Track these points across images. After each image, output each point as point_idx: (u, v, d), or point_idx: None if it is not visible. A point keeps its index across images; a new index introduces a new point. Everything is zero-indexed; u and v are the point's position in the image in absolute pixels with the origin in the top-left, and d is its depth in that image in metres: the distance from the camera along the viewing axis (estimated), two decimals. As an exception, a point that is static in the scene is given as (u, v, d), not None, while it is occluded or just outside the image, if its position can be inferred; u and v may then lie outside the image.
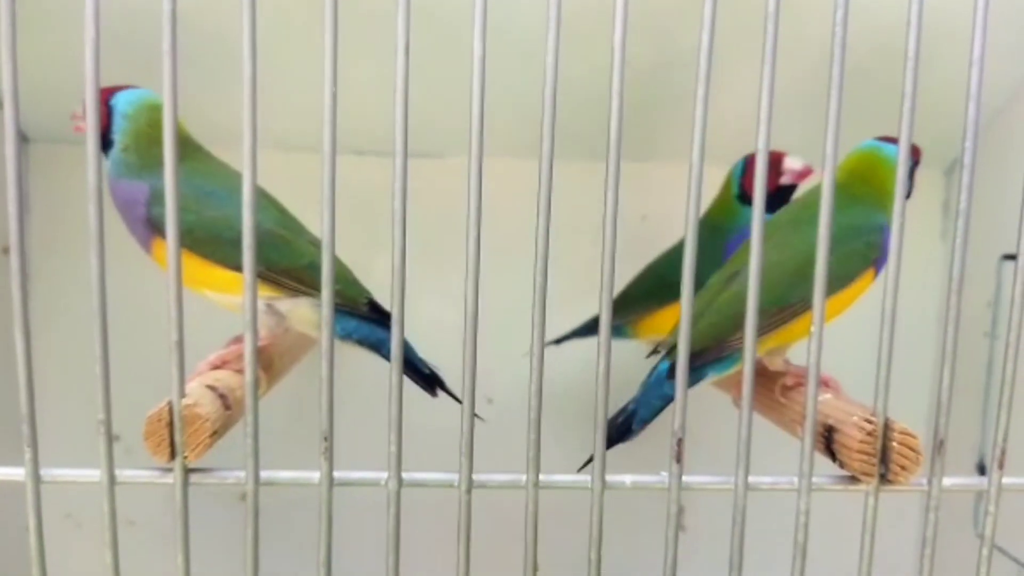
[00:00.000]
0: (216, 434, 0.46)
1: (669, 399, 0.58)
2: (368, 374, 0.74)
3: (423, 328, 0.76)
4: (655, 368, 0.61)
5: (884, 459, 0.48)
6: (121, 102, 0.61)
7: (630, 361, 0.78)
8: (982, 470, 0.82)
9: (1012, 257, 0.80)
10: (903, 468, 0.47)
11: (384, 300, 0.65)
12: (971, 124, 0.46)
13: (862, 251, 0.59)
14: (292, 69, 0.71)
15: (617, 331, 0.76)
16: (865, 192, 0.62)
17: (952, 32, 0.56)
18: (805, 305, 0.57)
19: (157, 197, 0.57)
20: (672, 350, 0.59)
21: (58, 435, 0.75)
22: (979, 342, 0.83)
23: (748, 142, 0.69)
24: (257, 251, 0.43)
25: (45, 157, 0.84)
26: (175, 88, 0.42)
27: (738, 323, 0.56)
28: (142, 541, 0.87)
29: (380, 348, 0.61)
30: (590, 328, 0.79)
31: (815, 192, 0.63)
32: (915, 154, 0.68)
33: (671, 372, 0.58)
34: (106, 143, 0.60)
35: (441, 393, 0.65)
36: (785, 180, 0.72)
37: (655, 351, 0.67)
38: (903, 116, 0.45)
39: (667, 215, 0.84)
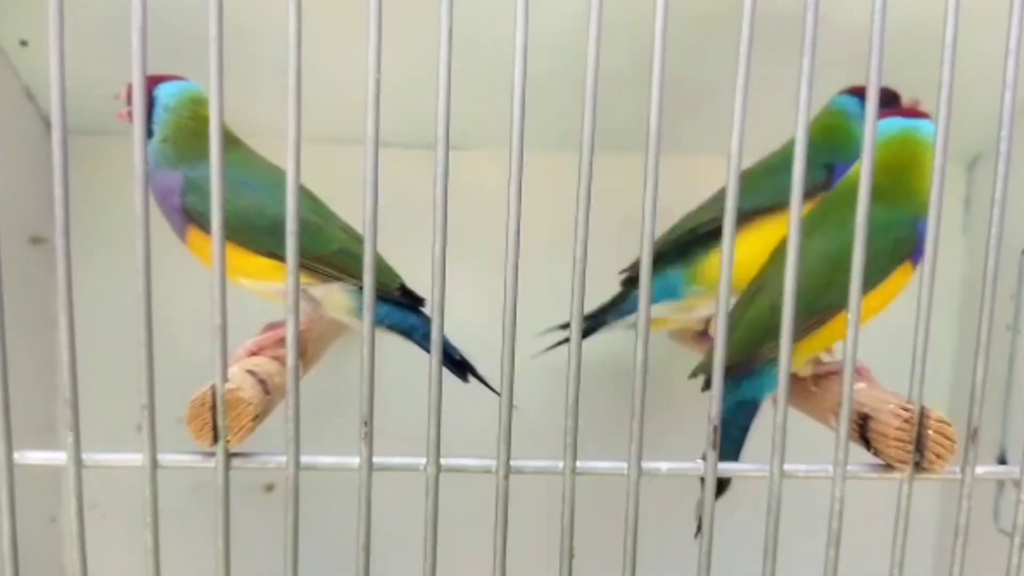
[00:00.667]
0: (258, 418, 0.46)
1: (746, 428, 0.59)
2: (398, 360, 0.75)
3: (447, 317, 0.77)
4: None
5: (919, 447, 0.48)
6: (164, 93, 0.61)
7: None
8: (1003, 463, 0.83)
9: (1037, 251, 0.80)
10: (938, 456, 0.48)
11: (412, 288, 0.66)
12: (1007, 113, 0.46)
13: (890, 249, 0.58)
14: (323, 61, 0.71)
15: (670, 289, 0.74)
16: (890, 184, 0.60)
17: (977, 23, 0.56)
18: (834, 310, 0.56)
19: (192, 186, 0.58)
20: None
21: (89, 423, 0.76)
22: (1001, 335, 0.83)
23: (776, 137, 0.69)
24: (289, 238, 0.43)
25: (79, 148, 0.85)
26: (220, 79, 0.42)
27: (771, 333, 0.56)
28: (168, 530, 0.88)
29: (412, 334, 0.62)
30: (621, 306, 0.77)
31: (837, 190, 0.63)
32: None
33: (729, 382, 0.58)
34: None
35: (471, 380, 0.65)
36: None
37: (696, 374, 0.65)
38: (940, 109, 0.46)
39: (688, 208, 0.84)
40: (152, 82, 0.61)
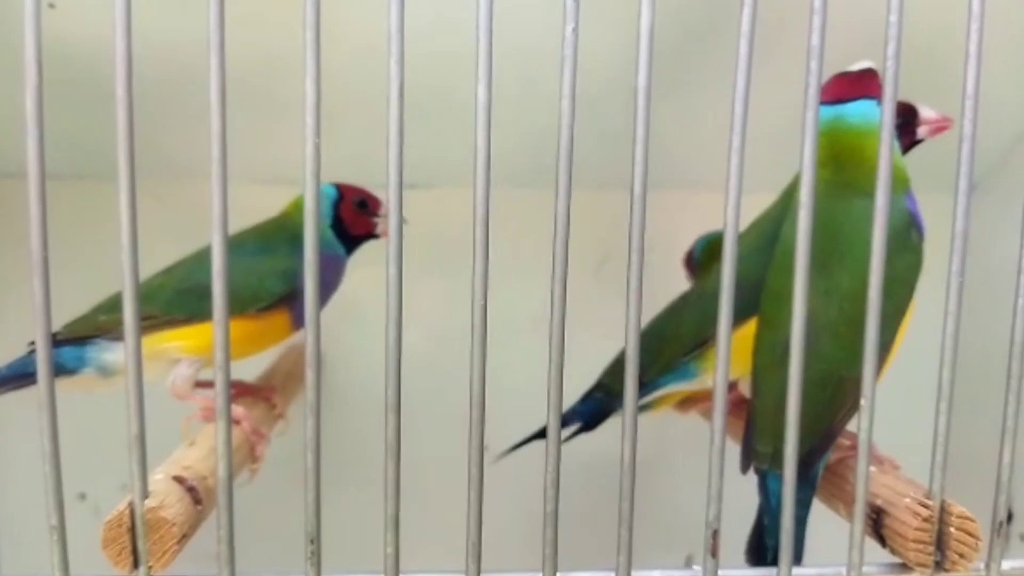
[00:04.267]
0: (185, 538, 0.40)
1: (803, 520, 0.50)
2: (350, 461, 0.69)
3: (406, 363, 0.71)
4: (765, 489, 0.52)
5: (940, 545, 0.43)
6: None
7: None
8: (1009, 516, 0.78)
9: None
10: (961, 556, 0.42)
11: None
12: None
13: (912, 259, 0.52)
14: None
15: (684, 374, 0.64)
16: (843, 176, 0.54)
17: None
18: (884, 353, 0.50)
19: None
20: (774, 459, 0.50)
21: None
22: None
23: (768, 167, 0.64)
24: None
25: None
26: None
27: (834, 404, 0.49)
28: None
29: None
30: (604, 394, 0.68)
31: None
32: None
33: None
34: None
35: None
36: (922, 134, 0.59)
37: (749, 464, 0.55)
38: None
39: (672, 243, 0.79)
40: None
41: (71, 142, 0.63)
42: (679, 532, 0.66)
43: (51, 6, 0.62)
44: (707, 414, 0.69)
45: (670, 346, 0.61)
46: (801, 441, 0.49)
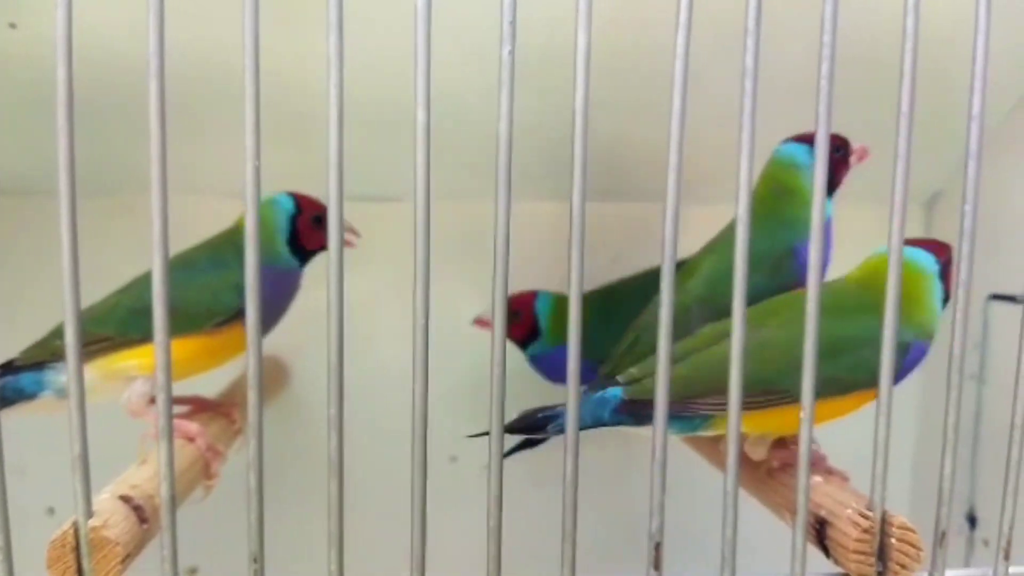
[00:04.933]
0: (129, 557, 0.40)
1: (601, 424, 0.53)
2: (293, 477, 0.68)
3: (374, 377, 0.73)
4: (602, 388, 0.54)
5: (882, 555, 0.43)
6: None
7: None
8: (972, 521, 0.79)
9: (1001, 297, 0.76)
10: (903, 567, 0.43)
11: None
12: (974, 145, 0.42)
13: (875, 367, 0.53)
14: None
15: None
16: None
17: (938, 54, 0.52)
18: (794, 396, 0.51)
19: None
20: (634, 383, 0.53)
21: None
22: (966, 386, 0.79)
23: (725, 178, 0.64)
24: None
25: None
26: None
27: (711, 387, 0.52)
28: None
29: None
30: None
31: (843, 280, 0.57)
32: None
33: (624, 407, 0.52)
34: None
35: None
36: (853, 163, 0.62)
37: (608, 376, 0.57)
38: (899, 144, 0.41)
39: (640, 256, 0.79)
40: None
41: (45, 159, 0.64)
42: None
43: (12, 26, 0.62)
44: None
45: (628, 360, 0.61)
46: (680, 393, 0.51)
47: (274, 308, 0.62)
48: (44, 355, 0.57)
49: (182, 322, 0.55)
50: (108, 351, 0.56)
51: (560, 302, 0.77)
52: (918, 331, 0.54)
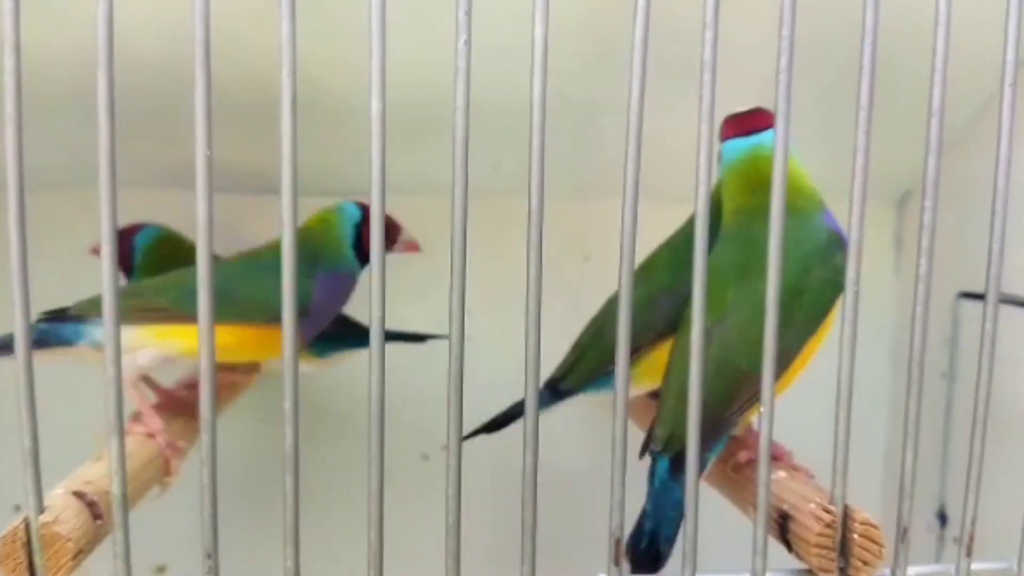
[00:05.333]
0: (82, 553, 0.40)
1: (681, 505, 0.48)
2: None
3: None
4: (653, 471, 0.52)
5: (844, 551, 0.43)
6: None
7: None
8: (943, 519, 0.79)
9: (970, 296, 0.76)
10: (865, 563, 0.43)
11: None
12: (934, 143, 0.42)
13: (832, 276, 0.52)
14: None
15: (602, 382, 0.64)
16: (800, 200, 0.56)
17: (908, 51, 0.52)
18: (787, 358, 0.51)
19: None
20: (668, 444, 0.51)
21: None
22: (936, 383, 0.79)
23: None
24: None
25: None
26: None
27: (731, 395, 0.51)
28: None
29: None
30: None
31: (735, 226, 0.57)
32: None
33: (674, 469, 0.50)
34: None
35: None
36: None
37: (647, 449, 0.54)
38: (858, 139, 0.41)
39: (612, 255, 0.79)
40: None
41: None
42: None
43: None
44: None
45: (592, 353, 0.61)
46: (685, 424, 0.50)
47: (333, 308, 0.67)
48: (93, 312, 0.59)
49: (238, 312, 0.59)
50: (159, 320, 0.59)
51: (166, 240, 0.76)
52: (818, 206, 0.57)
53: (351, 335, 0.70)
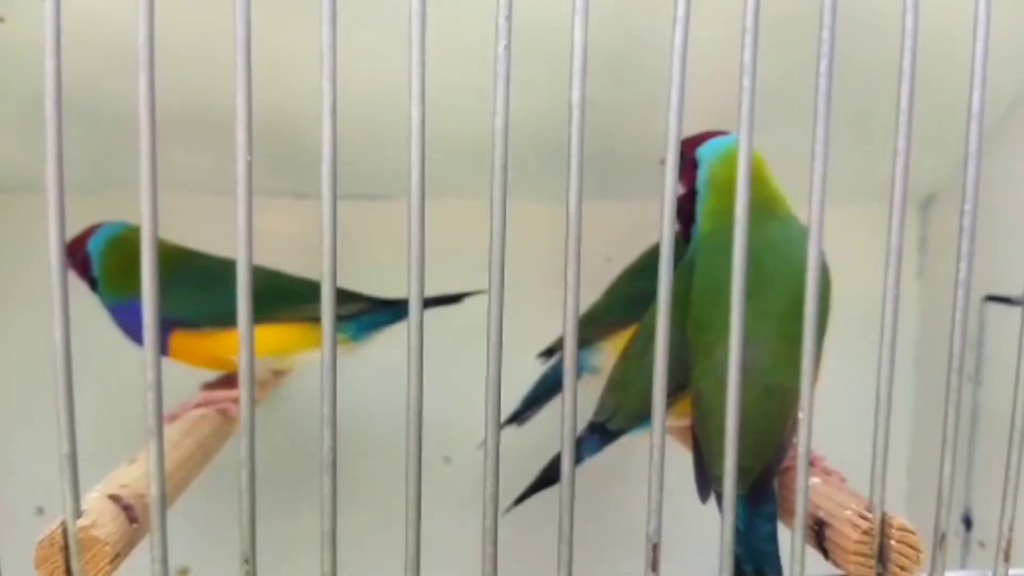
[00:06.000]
0: (119, 557, 0.40)
1: (774, 536, 0.49)
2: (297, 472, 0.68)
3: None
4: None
5: (881, 558, 0.43)
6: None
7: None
8: (968, 523, 0.78)
9: (996, 299, 0.76)
10: (902, 568, 0.42)
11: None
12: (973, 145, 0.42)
13: (823, 275, 0.52)
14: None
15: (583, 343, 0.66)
16: (778, 203, 0.57)
17: (931, 55, 0.52)
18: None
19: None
20: (743, 475, 0.48)
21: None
22: (963, 387, 0.79)
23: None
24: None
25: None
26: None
27: (783, 415, 0.49)
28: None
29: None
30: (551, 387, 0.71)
31: (721, 232, 0.56)
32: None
33: (751, 503, 0.49)
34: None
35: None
36: None
37: (709, 492, 0.53)
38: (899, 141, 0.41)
39: (634, 257, 0.79)
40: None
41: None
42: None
43: (0, 20, 0.61)
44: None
45: (633, 391, 0.59)
46: (757, 456, 0.49)
47: None
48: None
49: (292, 309, 0.63)
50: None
51: (124, 240, 0.65)
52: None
53: (381, 311, 0.70)
